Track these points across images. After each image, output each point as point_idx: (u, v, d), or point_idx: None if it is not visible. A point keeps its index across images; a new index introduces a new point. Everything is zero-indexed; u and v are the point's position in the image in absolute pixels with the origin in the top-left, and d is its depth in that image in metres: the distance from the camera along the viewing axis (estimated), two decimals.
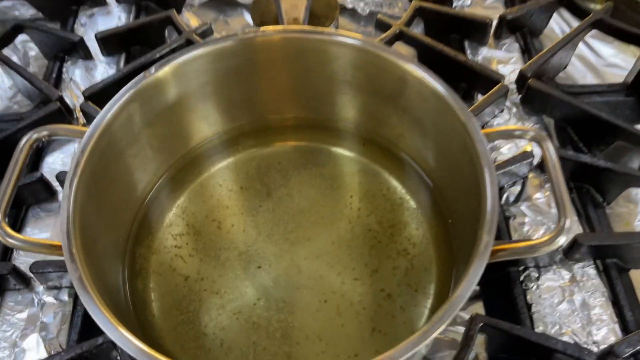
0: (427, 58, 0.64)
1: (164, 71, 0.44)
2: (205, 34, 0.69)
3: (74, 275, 0.34)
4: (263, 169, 0.54)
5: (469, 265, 0.34)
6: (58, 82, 0.69)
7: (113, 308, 0.37)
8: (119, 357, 0.48)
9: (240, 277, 0.47)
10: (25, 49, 0.76)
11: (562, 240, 0.35)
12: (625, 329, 0.49)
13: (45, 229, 0.57)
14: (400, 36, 0.67)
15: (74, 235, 0.36)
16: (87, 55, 0.70)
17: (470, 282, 0.33)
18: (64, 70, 0.70)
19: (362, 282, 0.47)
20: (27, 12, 0.80)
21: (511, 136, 0.40)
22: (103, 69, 0.70)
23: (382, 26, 0.68)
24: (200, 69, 0.47)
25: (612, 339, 0.48)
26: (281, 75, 0.49)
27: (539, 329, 0.49)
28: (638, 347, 0.46)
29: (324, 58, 0.47)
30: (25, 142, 0.40)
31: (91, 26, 0.74)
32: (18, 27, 0.70)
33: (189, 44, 0.67)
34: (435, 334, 0.32)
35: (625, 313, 0.50)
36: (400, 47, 0.65)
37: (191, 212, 0.51)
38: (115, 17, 0.76)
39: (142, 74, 0.43)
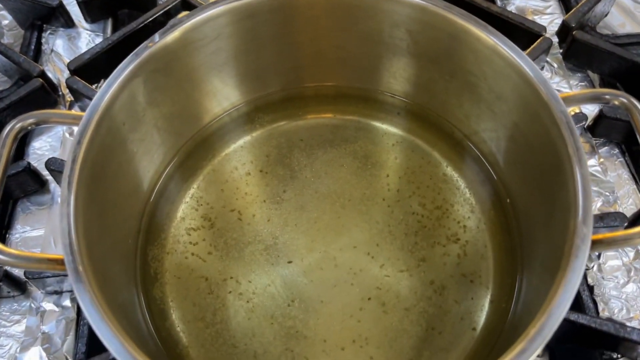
0: None
1: (173, 37, 0.37)
2: None
3: (83, 298, 0.28)
4: (284, 148, 0.47)
5: (561, 268, 0.28)
6: (37, 54, 0.61)
7: (129, 328, 0.31)
8: None
9: (269, 275, 0.41)
10: None
11: None
12: None
13: (37, 225, 0.50)
14: None
15: (79, 248, 0.29)
16: (69, 23, 0.62)
17: (572, 285, 0.27)
18: (43, 40, 0.62)
19: (409, 274, 0.41)
20: None
21: (595, 99, 0.34)
22: (88, 37, 0.62)
23: None
24: (217, 32, 0.39)
25: None
26: (318, 36, 0.42)
27: (604, 313, 0.44)
28: None
29: (369, 15, 0.39)
30: (8, 133, 0.32)
31: None
32: None
33: (185, 5, 0.59)
34: (535, 355, 0.26)
35: None
36: None
37: (206, 202, 0.45)
38: None
39: (144, 44, 0.36)
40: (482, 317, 0.39)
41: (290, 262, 0.42)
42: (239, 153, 0.47)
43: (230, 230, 0.44)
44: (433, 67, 0.42)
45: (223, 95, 0.45)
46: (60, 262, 0.29)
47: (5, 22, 0.67)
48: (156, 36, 0.36)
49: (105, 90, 0.34)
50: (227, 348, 0.38)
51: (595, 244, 0.29)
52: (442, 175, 0.45)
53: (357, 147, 0.47)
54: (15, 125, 0.33)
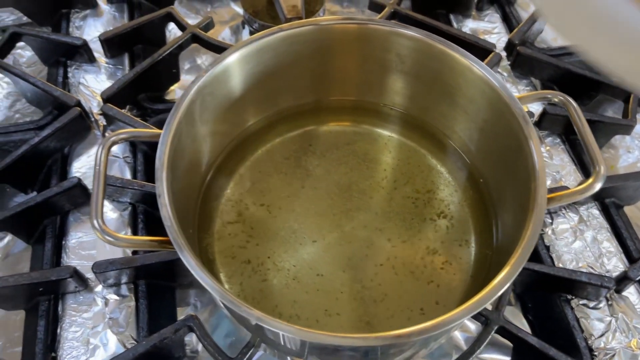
0: None
1: (222, 66, 0.47)
2: (208, 27, 0.71)
3: (189, 261, 0.37)
4: (298, 152, 0.57)
5: (528, 217, 0.40)
6: (65, 87, 0.69)
7: None
8: (186, 346, 0.51)
9: (299, 253, 0.51)
10: (15, 56, 0.75)
11: (600, 185, 0.42)
12: (629, 257, 0.57)
13: (89, 232, 0.58)
14: (395, 15, 0.72)
15: (177, 229, 0.39)
16: (91, 58, 0.70)
17: (535, 230, 0.39)
18: (69, 75, 0.70)
19: (411, 244, 0.52)
20: (8, 18, 0.79)
21: (542, 99, 0.46)
22: (109, 70, 0.71)
23: (376, 7, 0.73)
24: (259, 59, 0.49)
25: (621, 267, 0.56)
26: (342, 59, 0.53)
27: (559, 265, 0.57)
28: None
29: (383, 45, 0.51)
30: (104, 146, 0.42)
31: (86, 29, 0.75)
32: (16, 35, 0.69)
33: (194, 38, 0.69)
34: (510, 282, 0.37)
35: (627, 244, 0.58)
36: None
37: (239, 199, 0.54)
38: (108, 17, 0.76)
39: (201, 72, 0.46)
40: (469, 272, 0.51)
41: (315, 241, 0.52)
42: (264, 157, 0.57)
43: (262, 221, 0.53)
44: (417, 82, 0.53)
45: (256, 109, 0.55)
46: (165, 241, 0.39)
47: (23, 59, 0.75)
48: (209, 67, 0.46)
49: (175, 111, 0.44)
50: (275, 315, 0.48)
51: (549, 200, 0.41)
52: (428, 165, 0.57)
53: (356, 147, 0.58)
54: (109, 139, 0.42)
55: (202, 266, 0.37)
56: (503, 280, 0.36)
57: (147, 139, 0.44)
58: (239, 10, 0.80)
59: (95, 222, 0.39)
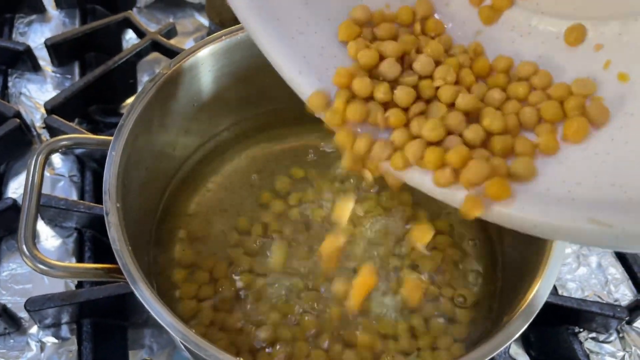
0: None
1: (184, 64, 0.40)
2: (170, 34, 0.65)
3: (141, 293, 0.30)
4: (271, 164, 0.51)
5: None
6: (3, 98, 0.61)
7: None
8: None
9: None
10: None
11: None
12: (637, 284, 0.52)
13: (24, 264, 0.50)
14: None
15: (129, 255, 0.31)
16: (35, 67, 0.63)
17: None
18: (10, 84, 0.62)
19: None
20: None
21: None
22: (56, 80, 0.63)
23: None
24: (232, 57, 0.42)
25: (629, 295, 0.51)
26: None
27: (564, 294, 0.51)
28: None
29: None
30: (38, 156, 0.34)
31: (32, 35, 0.67)
32: None
33: (154, 46, 0.63)
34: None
35: (634, 270, 0.53)
36: None
37: (204, 220, 0.47)
38: (57, 23, 0.69)
39: (159, 72, 0.39)
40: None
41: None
42: (233, 170, 0.49)
43: (229, 246, 0.46)
44: None
45: (227, 116, 0.47)
46: (114, 269, 0.31)
47: None
48: (171, 64, 0.39)
49: (129, 114, 0.37)
50: None
51: None
52: None
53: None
54: (49, 145, 0.34)
55: (159, 300, 0.30)
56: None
57: (95, 147, 0.36)
58: (204, 21, 0.74)
59: (24, 246, 0.31)
